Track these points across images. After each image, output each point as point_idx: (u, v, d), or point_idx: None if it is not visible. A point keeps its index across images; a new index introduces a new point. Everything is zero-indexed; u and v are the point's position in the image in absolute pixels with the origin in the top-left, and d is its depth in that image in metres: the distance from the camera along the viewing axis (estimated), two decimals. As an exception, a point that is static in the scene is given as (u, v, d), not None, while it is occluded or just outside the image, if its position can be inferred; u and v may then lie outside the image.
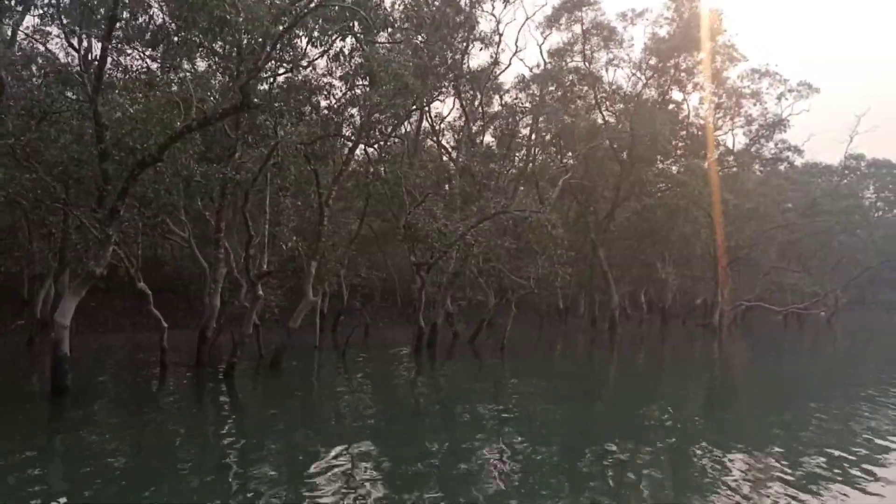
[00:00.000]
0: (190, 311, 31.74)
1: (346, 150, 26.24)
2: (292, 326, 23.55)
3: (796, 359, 37.26)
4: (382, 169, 30.26)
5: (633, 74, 38.60)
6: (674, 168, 40.28)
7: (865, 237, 63.78)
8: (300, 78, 21.90)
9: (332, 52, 20.34)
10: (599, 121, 40.16)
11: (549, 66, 41.56)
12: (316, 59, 20.83)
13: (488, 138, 47.73)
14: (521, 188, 51.24)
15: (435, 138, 46.66)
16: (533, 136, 42.92)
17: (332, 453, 13.31)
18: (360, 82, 22.92)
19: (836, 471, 13.00)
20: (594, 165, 42.14)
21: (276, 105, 20.02)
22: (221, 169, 18.91)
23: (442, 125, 46.04)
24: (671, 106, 50.57)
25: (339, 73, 23.24)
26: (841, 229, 52.74)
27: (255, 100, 15.45)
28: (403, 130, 46.60)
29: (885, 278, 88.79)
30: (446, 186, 33.50)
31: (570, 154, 42.19)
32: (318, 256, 23.98)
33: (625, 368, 30.88)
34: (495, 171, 46.51)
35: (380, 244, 38.82)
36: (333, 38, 20.17)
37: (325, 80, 23.95)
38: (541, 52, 43.45)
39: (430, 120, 44.24)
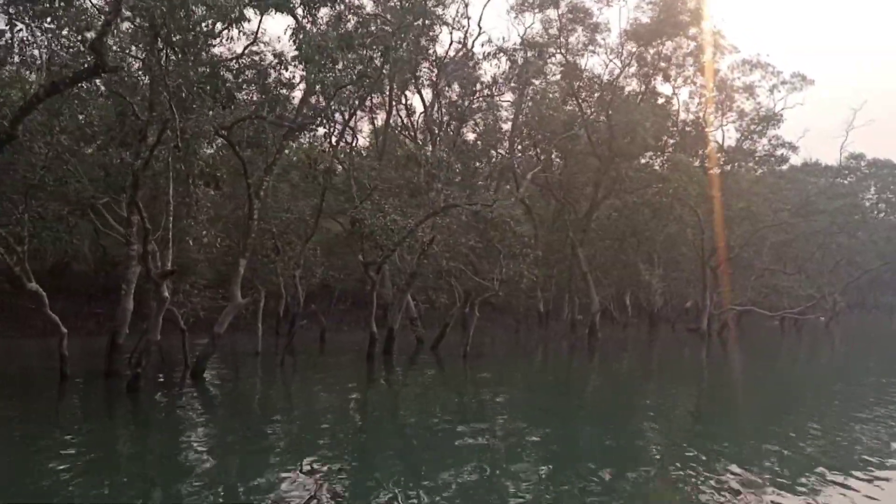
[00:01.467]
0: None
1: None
2: (217, 332, 21.23)
3: (791, 366, 35.04)
4: (339, 161, 28.01)
5: (611, 61, 36.12)
6: (656, 163, 37.67)
7: (865, 239, 61.36)
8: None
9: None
10: (577, 112, 37.60)
11: (530, 56, 39.34)
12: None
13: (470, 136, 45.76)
14: (507, 186, 49.31)
15: (408, 132, 44.50)
16: (518, 130, 40.82)
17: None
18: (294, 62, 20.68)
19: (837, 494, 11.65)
20: (574, 161, 39.75)
21: (194, 84, 17.62)
22: (121, 153, 16.60)
23: (418, 119, 43.90)
24: (661, 100, 48.47)
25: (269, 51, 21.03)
26: (838, 230, 50.19)
27: (112, 62, 13.03)
28: (375, 125, 45.06)
29: (886, 281, 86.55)
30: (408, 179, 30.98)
31: (548, 148, 39.85)
32: (248, 254, 21.62)
33: (602, 378, 28.38)
34: (476, 166, 44.80)
35: (349, 243, 36.50)
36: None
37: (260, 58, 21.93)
38: (522, 43, 41.19)
39: (400, 114, 42.20)
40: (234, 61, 20.98)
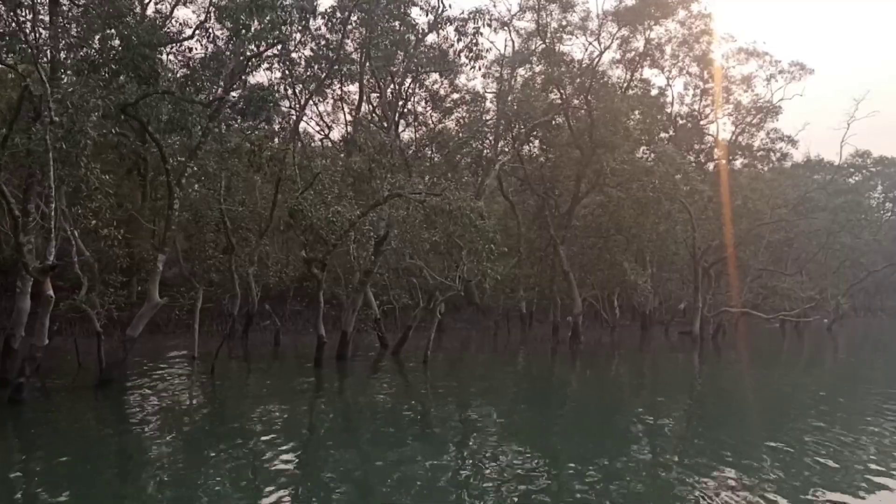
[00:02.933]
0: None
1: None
2: (131, 335, 19.00)
3: (788, 374, 32.32)
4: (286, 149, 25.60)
5: (590, 44, 33.61)
6: (650, 157, 35.10)
7: (870, 239, 58.57)
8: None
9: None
10: (558, 99, 35.13)
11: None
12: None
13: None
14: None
15: (379, 118, 42.33)
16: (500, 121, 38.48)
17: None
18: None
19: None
20: (555, 152, 37.29)
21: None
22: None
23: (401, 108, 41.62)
24: (654, 91, 46.11)
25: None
26: (840, 228, 47.50)
27: None
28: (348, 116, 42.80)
29: (893, 284, 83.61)
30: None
31: (527, 138, 37.48)
32: (167, 249, 19.35)
33: (579, 389, 25.94)
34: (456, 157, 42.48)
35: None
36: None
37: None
38: (508, 31, 38.95)
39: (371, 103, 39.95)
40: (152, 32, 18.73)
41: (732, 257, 45.41)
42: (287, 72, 27.29)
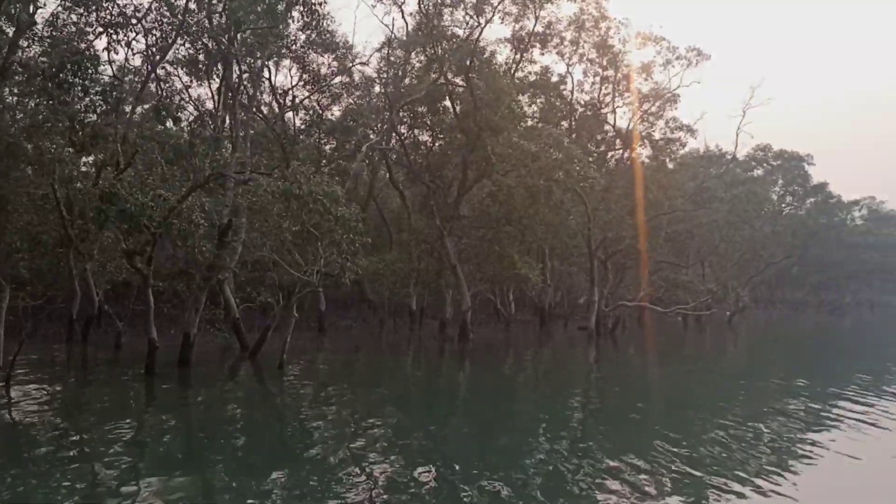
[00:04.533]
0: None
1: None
2: None
3: (684, 368, 31.49)
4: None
5: (471, 17, 31.07)
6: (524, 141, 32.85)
7: (770, 232, 58.79)
8: None
9: None
10: (441, 80, 32.59)
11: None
12: None
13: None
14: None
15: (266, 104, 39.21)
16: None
17: None
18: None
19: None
20: (443, 138, 34.86)
21: None
22: None
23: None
24: (554, 79, 44.28)
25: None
26: (737, 219, 46.82)
27: None
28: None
29: (794, 277, 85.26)
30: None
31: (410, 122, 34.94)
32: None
33: (465, 391, 23.65)
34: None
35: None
36: None
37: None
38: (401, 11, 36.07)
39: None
40: None
41: (632, 250, 44.17)
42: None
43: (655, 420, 18.37)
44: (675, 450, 14.22)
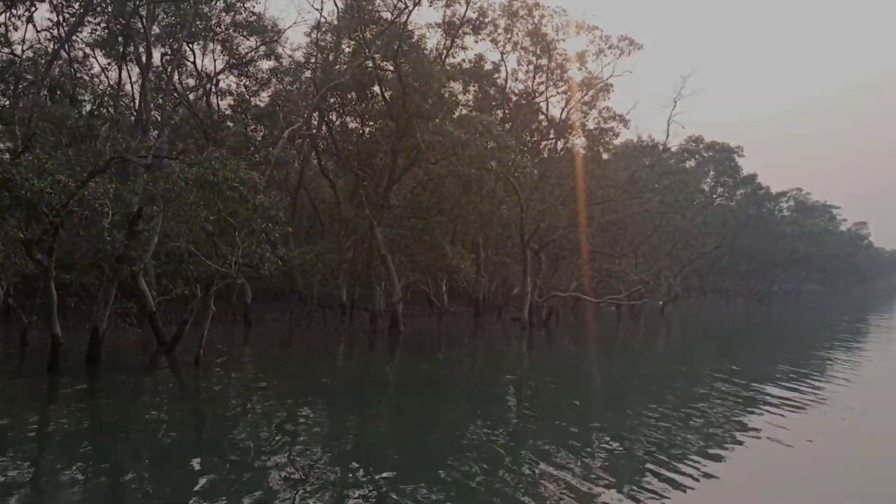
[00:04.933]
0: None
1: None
2: None
3: (616, 357, 32.09)
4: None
5: (399, 0, 30.19)
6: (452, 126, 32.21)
7: (701, 222, 59.58)
8: None
9: None
10: (369, 65, 31.64)
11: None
12: None
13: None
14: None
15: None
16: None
17: None
18: None
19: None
20: (373, 125, 33.95)
21: None
22: None
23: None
24: (489, 66, 43.73)
25: None
26: (667, 209, 47.18)
27: None
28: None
29: (724, 266, 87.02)
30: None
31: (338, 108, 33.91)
32: None
33: (400, 381, 23.13)
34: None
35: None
36: None
37: None
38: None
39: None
40: None
41: (565, 240, 44.09)
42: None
43: (589, 409, 18.49)
44: (610, 437, 14.41)
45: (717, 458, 13.04)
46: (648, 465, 12.31)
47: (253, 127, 40.61)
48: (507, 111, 44.67)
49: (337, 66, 36.25)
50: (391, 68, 31.30)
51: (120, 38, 31.29)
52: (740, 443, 14.42)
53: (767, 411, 17.63)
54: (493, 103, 44.02)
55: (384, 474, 11.55)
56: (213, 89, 37.33)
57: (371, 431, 15.14)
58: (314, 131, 36.51)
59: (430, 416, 16.80)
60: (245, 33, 36.80)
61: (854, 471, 12.99)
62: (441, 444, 13.89)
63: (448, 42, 35.72)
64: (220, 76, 38.93)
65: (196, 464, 11.93)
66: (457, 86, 38.59)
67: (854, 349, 35.22)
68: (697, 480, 11.61)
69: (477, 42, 42.11)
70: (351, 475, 11.56)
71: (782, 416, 17.06)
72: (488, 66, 43.89)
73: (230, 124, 39.74)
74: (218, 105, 37.84)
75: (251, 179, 19.98)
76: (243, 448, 13.14)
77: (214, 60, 37.51)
